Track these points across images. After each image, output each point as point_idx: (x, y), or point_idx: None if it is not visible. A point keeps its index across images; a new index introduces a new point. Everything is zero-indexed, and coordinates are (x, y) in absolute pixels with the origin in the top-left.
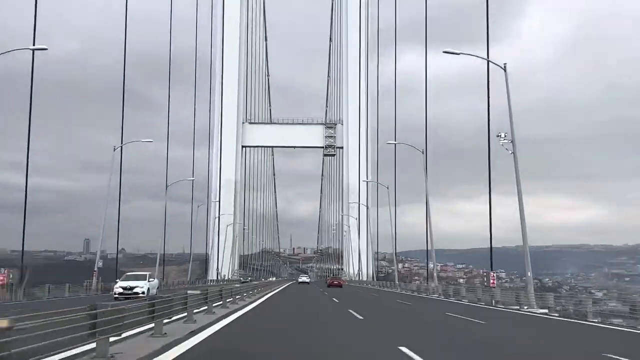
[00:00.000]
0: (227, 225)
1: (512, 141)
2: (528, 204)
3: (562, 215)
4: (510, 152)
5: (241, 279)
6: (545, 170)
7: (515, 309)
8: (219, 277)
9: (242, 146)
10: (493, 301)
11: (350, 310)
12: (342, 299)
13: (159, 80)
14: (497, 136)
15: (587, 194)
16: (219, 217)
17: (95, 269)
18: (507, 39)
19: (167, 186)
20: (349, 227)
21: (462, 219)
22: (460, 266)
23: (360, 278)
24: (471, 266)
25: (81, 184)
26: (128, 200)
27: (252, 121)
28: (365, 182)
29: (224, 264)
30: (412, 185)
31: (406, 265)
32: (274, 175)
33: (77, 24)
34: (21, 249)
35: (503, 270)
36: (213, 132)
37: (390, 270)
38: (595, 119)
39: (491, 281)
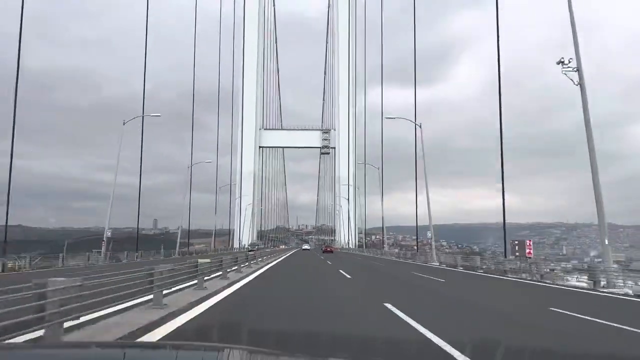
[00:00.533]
0: (247, 205)
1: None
2: (459, 194)
3: (483, 202)
4: (576, 82)
5: (248, 247)
6: (472, 171)
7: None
8: (239, 246)
9: (260, 146)
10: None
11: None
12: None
13: (206, 108)
14: (559, 63)
15: (499, 187)
16: (240, 199)
17: (104, 238)
18: (448, 79)
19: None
20: (340, 206)
21: (412, 204)
22: (414, 237)
23: (349, 246)
24: (421, 237)
25: (154, 181)
26: (179, 192)
27: (267, 128)
28: (348, 184)
29: (243, 236)
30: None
31: (377, 236)
32: (285, 175)
33: (149, 68)
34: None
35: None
36: (237, 138)
37: (367, 240)
38: (506, 135)
39: (527, 251)
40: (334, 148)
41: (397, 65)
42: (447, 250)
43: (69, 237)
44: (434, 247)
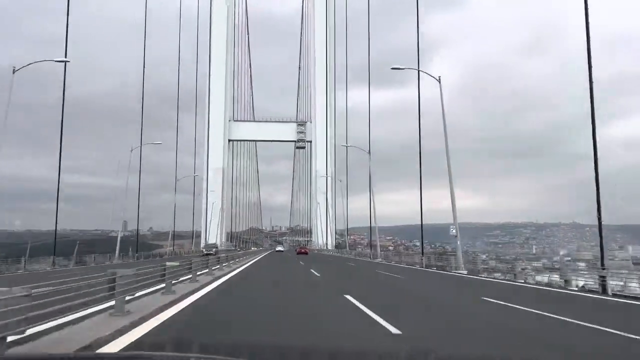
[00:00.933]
0: (213, 202)
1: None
2: (430, 194)
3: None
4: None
5: (203, 250)
6: (443, 171)
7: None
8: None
9: (229, 140)
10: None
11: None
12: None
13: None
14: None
15: (471, 188)
16: (206, 196)
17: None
18: (419, 82)
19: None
20: (318, 203)
21: (391, 204)
22: (388, 237)
23: (327, 248)
24: (397, 238)
25: (118, 181)
26: (151, 193)
27: (238, 119)
28: (327, 176)
29: (210, 236)
30: (361, 178)
31: (352, 237)
32: (258, 174)
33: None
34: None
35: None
36: (205, 132)
37: (341, 241)
38: (474, 137)
39: None
40: (310, 142)
41: (374, 63)
42: (419, 251)
43: (37, 240)
44: (423, 247)
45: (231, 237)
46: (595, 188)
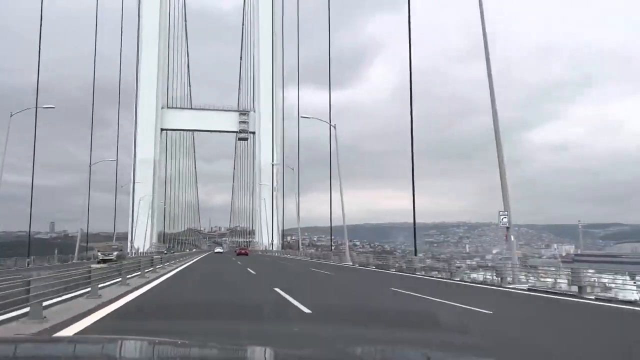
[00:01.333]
0: (141, 199)
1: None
2: (371, 194)
3: (392, 202)
4: None
5: (100, 255)
6: (380, 172)
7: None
8: (132, 251)
9: (162, 129)
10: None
11: (249, 269)
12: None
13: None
14: None
15: (409, 188)
16: (132, 189)
17: None
18: (363, 82)
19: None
20: (264, 199)
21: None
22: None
23: (273, 248)
24: (337, 238)
25: (53, 181)
26: (83, 192)
27: (172, 106)
28: (273, 163)
29: (136, 238)
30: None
31: (294, 237)
32: (196, 173)
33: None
34: None
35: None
36: (137, 122)
37: (284, 241)
38: (416, 138)
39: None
40: (254, 133)
41: (315, 64)
42: (360, 250)
43: None
44: (347, 247)
45: (164, 238)
46: (531, 190)
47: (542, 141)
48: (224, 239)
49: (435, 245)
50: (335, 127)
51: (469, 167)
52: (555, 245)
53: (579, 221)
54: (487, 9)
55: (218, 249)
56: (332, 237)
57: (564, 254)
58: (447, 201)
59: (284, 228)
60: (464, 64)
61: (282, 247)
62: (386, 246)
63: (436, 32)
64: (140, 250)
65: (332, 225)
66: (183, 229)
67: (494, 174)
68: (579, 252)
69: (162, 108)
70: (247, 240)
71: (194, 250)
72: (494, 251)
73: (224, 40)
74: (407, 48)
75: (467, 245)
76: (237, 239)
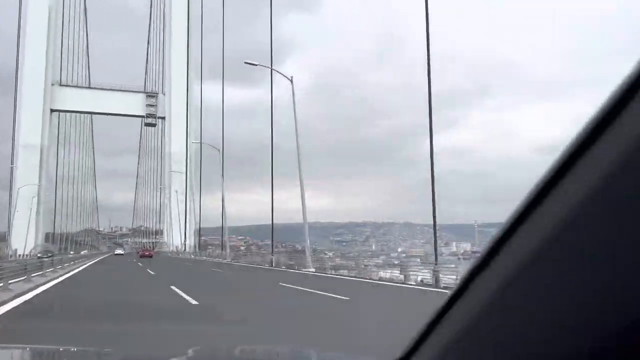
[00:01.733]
0: (19, 188)
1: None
2: (282, 194)
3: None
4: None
5: None
6: (294, 172)
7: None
8: (13, 252)
9: (52, 110)
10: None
11: (148, 270)
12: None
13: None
14: None
15: (320, 188)
16: (11, 179)
17: None
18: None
19: None
20: (176, 191)
21: (244, 204)
22: (240, 237)
23: (186, 249)
24: (249, 237)
25: None
26: None
27: (65, 84)
28: (187, 152)
29: (12, 238)
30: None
31: (203, 237)
32: (95, 169)
33: None
34: None
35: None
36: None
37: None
38: (327, 139)
39: None
40: (164, 118)
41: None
42: (277, 250)
43: None
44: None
45: (54, 238)
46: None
47: (442, 145)
48: (125, 239)
49: (344, 244)
50: (292, 81)
51: (377, 169)
52: (454, 244)
53: (475, 221)
54: (399, 12)
55: (119, 251)
56: (244, 237)
57: (461, 252)
58: (355, 201)
59: (202, 227)
60: (372, 69)
61: (199, 248)
62: (297, 246)
63: (347, 35)
64: (20, 252)
65: (242, 225)
66: (80, 229)
67: (399, 175)
68: (474, 249)
69: (53, 85)
70: (153, 241)
71: (87, 252)
72: (399, 249)
73: (130, 25)
74: (319, 50)
75: (373, 244)
76: (141, 240)
